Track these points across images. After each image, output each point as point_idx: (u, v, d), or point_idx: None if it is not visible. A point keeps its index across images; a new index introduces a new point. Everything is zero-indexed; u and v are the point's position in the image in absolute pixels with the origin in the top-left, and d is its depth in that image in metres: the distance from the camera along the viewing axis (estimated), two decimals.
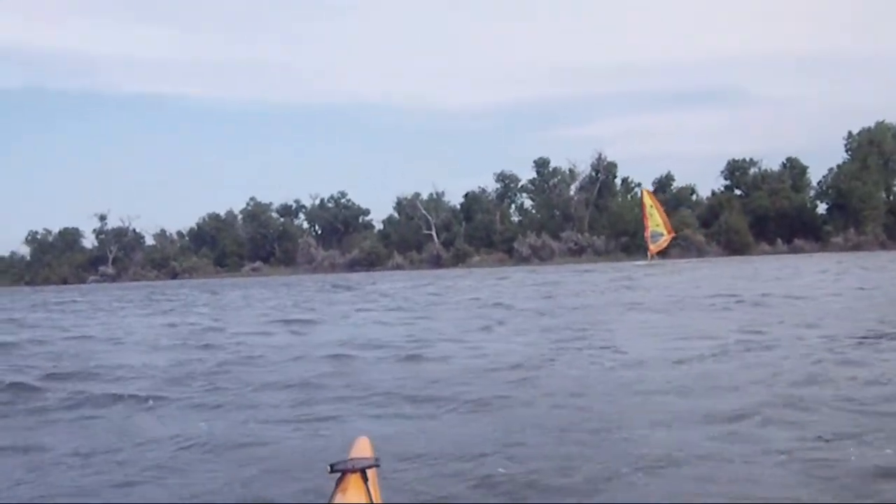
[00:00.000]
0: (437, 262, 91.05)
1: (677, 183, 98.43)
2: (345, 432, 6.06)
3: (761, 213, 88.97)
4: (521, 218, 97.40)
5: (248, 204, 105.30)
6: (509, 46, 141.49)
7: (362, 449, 2.82)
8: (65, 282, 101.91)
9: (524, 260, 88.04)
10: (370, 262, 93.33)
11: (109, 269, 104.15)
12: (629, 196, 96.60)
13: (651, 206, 73.49)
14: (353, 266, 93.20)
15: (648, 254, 71.73)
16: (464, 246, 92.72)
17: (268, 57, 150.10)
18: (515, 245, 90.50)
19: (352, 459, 2.65)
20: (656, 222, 72.82)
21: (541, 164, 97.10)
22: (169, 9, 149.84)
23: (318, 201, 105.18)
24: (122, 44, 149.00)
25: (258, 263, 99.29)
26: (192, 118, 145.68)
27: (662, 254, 74.46)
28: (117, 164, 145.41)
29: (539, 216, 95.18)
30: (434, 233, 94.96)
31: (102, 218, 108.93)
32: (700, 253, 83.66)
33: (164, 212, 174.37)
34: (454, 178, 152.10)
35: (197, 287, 57.77)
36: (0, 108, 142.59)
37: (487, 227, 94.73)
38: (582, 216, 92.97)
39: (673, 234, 74.66)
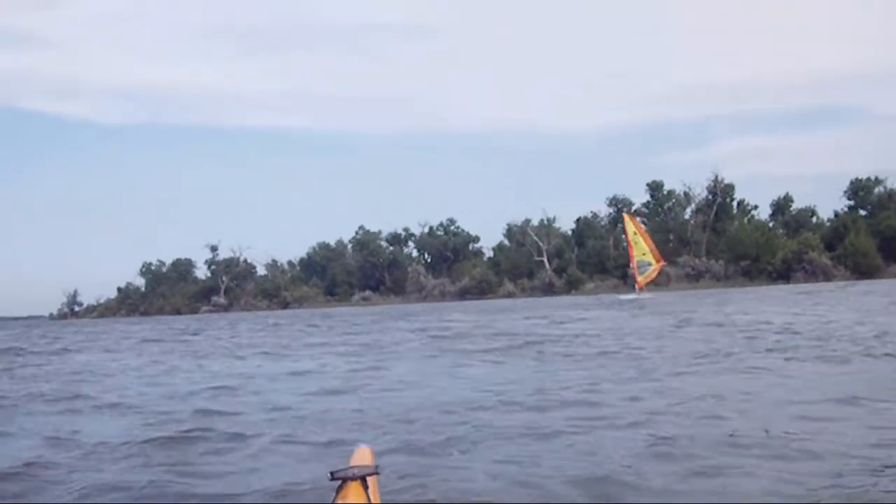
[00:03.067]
0: (548, 290, 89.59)
1: (796, 205, 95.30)
2: None
3: (890, 234, 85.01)
4: None
5: (357, 232, 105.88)
6: (623, 68, 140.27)
7: (363, 457, 2.77)
8: (178, 312, 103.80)
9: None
10: (481, 290, 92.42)
11: (221, 300, 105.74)
12: (746, 219, 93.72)
13: (635, 234, 65.72)
14: (463, 294, 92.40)
15: (636, 286, 63.98)
16: (576, 272, 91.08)
17: (376, 88, 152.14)
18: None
19: (352, 467, 2.62)
20: (642, 250, 65.05)
21: (655, 188, 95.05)
22: (278, 45, 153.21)
23: (426, 229, 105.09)
24: (234, 78, 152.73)
25: (368, 293, 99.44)
26: (300, 149, 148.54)
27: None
28: (229, 196, 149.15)
29: (653, 241, 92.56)
30: (546, 259, 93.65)
31: (214, 248, 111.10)
32: (826, 277, 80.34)
33: (275, 242, 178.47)
34: (565, 203, 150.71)
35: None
36: (120, 143, 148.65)
37: (600, 252, 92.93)
38: (699, 240, 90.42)
39: (662, 263, 66.99)
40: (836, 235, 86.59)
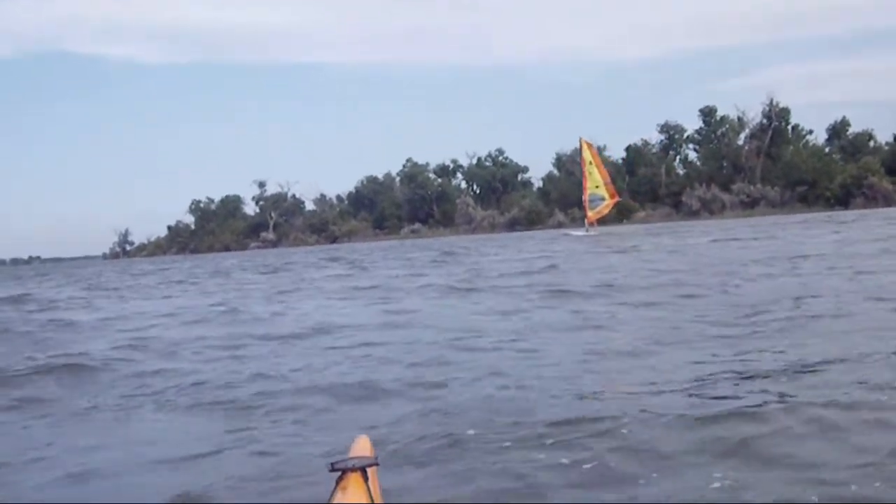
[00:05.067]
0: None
1: (853, 129, 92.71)
2: None
3: None
4: (686, 170, 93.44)
5: (405, 165, 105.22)
6: None
7: (362, 448, 2.76)
8: (227, 249, 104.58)
9: (693, 214, 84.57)
10: (530, 221, 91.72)
11: (270, 235, 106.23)
12: (802, 144, 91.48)
13: (591, 163, 57.40)
14: (512, 225, 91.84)
15: (586, 221, 56.93)
16: (628, 201, 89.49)
17: (426, 21, 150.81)
18: (683, 198, 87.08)
19: (352, 458, 2.60)
20: (595, 182, 56.84)
21: (707, 114, 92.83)
22: None
23: (475, 160, 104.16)
24: (279, 15, 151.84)
25: (417, 225, 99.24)
26: (347, 84, 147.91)
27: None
28: (276, 132, 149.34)
29: (706, 168, 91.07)
30: None
31: (262, 185, 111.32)
32: (887, 202, 78.35)
33: (323, 176, 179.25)
34: (616, 132, 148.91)
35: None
36: (170, 83, 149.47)
37: (651, 181, 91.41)
38: (753, 166, 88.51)
39: (616, 199, 59.56)
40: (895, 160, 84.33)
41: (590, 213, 56.59)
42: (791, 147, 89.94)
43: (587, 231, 53.29)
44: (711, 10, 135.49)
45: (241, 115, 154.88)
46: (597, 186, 56.46)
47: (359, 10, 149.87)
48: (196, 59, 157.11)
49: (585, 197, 57.08)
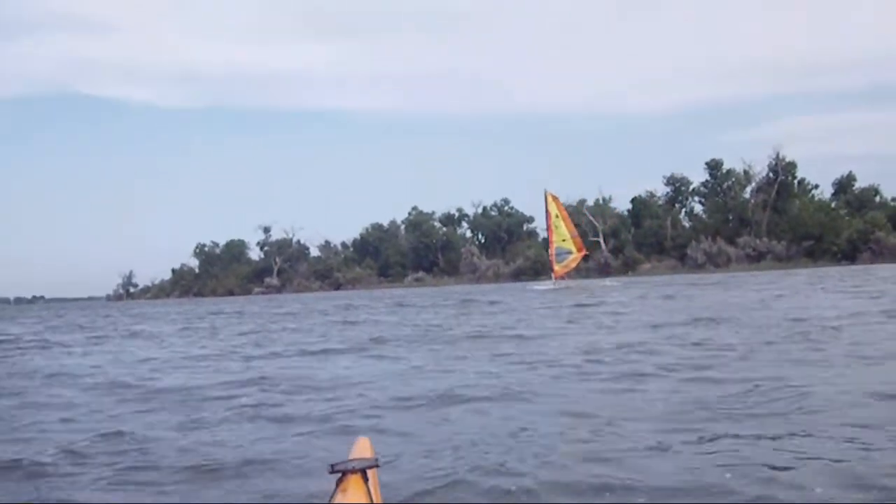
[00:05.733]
0: (604, 271, 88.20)
1: (859, 184, 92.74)
2: None
3: None
4: (692, 223, 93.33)
5: (410, 213, 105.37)
6: (681, 48, 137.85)
7: (362, 449, 2.82)
8: (231, 293, 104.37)
9: (699, 267, 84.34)
10: (535, 271, 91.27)
11: (274, 281, 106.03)
12: (808, 199, 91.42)
13: (557, 216, 56.57)
14: (517, 275, 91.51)
15: (553, 275, 55.85)
16: (633, 253, 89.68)
17: (432, 69, 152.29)
18: (689, 251, 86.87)
19: (352, 460, 2.64)
20: (562, 236, 56.12)
21: (713, 167, 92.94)
22: (339, 26, 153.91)
23: (480, 209, 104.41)
24: (290, 61, 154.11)
25: (421, 273, 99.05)
26: (354, 130, 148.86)
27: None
28: (282, 177, 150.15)
29: (712, 221, 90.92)
30: (601, 239, 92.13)
31: (267, 230, 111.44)
32: (893, 257, 78.06)
33: (328, 223, 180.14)
34: (622, 183, 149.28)
35: None
36: (178, 126, 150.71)
37: (657, 233, 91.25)
38: (759, 220, 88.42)
39: (584, 253, 58.60)
40: None
41: (557, 267, 55.93)
42: (797, 201, 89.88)
43: (554, 285, 51.95)
44: (721, 62, 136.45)
45: (248, 159, 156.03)
46: (563, 240, 56.06)
47: (366, 58, 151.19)
48: (208, 104, 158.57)
49: (552, 250, 56.69)
